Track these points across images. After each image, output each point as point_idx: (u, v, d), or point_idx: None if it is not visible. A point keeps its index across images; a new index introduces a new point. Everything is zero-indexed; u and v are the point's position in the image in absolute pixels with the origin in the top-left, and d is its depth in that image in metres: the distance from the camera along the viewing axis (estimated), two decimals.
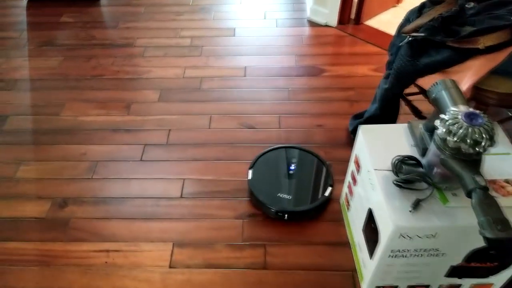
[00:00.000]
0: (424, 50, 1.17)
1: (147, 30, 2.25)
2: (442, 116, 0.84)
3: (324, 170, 1.42)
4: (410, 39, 1.21)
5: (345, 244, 1.24)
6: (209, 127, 1.66)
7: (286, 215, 1.31)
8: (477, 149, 0.79)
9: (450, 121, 0.83)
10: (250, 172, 1.41)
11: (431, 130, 1.01)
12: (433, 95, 0.93)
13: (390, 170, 0.98)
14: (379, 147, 1.04)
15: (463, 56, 1.10)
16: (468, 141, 0.79)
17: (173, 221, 1.32)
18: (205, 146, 1.57)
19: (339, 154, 1.53)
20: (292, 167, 1.44)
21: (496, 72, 1.08)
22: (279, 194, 1.34)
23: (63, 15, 2.38)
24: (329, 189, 1.36)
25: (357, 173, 1.14)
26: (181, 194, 1.40)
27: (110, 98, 1.79)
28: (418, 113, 1.45)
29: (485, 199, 0.76)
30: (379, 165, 0.99)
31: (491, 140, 0.79)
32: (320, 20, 2.29)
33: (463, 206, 0.89)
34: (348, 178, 1.24)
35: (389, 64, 1.44)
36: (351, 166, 1.20)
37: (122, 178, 1.45)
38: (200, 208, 1.36)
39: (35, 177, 1.47)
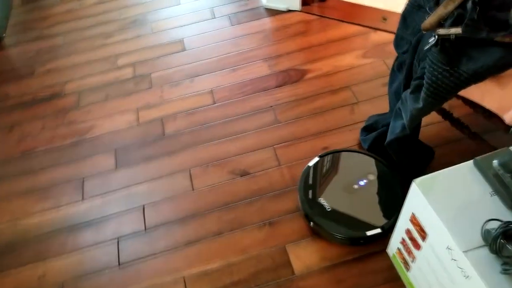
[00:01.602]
0: (463, 52, 0.91)
1: (73, 68, 1.83)
2: None
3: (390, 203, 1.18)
4: (437, 38, 0.94)
5: None
6: (193, 189, 1.34)
7: (312, 223, 1.18)
8: None
9: None
10: (315, 159, 1.28)
11: None
12: None
13: (482, 246, 0.74)
14: (452, 209, 0.79)
15: None
16: None
17: None
18: (196, 219, 1.27)
19: None
20: (363, 182, 1.22)
21: None
22: (320, 199, 1.19)
23: None
24: (377, 231, 1.13)
25: (422, 240, 0.89)
26: None
27: (53, 181, 1.41)
28: (464, 128, 1.19)
29: None
30: (466, 241, 0.74)
31: None
32: (280, 5, 1.97)
33: None
34: (401, 233, 1.00)
35: (401, 66, 1.17)
36: (405, 223, 0.95)
37: None
38: None
39: None
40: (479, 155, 1.31)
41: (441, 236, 0.79)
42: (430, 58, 0.95)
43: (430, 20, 0.98)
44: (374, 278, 1.11)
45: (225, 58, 1.78)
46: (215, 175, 1.37)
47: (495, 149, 1.14)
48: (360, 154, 1.30)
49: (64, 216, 1.31)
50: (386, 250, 1.15)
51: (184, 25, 1.97)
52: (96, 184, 1.38)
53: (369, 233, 1.13)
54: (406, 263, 1.03)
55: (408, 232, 0.96)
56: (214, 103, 1.60)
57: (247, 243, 1.20)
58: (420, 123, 1.18)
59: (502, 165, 0.79)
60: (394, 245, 1.08)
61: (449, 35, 0.92)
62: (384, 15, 1.87)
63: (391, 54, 1.68)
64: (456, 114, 1.21)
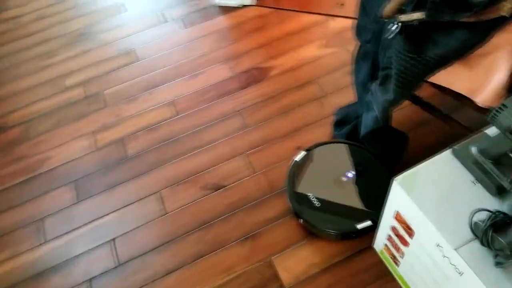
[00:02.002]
0: (429, 37, 0.89)
1: (17, 95, 1.71)
2: None
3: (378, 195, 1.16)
4: (400, 25, 0.91)
5: None
6: (165, 212, 1.28)
7: (301, 220, 1.16)
8: None
9: None
10: (302, 154, 1.25)
11: (496, 158, 0.76)
12: (507, 126, 0.66)
13: (472, 239, 0.72)
14: (436, 204, 0.77)
15: (485, 31, 0.84)
16: None
17: None
18: (173, 245, 1.20)
19: None
20: (351, 174, 1.20)
21: None
22: (310, 194, 1.16)
23: None
24: (367, 223, 1.11)
25: (409, 237, 0.87)
26: None
27: (9, 226, 1.30)
28: (434, 111, 1.18)
29: None
30: (456, 237, 0.73)
31: None
32: (232, 1, 1.91)
33: None
34: (387, 230, 0.98)
35: (365, 56, 1.15)
36: (390, 220, 0.93)
37: None
38: None
39: None
40: (451, 136, 1.32)
41: (429, 234, 0.78)
42: (396, 47, 0.93)
43: (390, 6, 0.96)
44: (365, 277, 1.10)
45: (182, 64, 1.71)
46: (187, 194, 1.31)
47: (467, 128, 1.15)
48: (347, 145, 1.28)
49: (26, 264, 1.21)
50: (373, 246, 1.13)
51: (134, 34, 1.88)
52: (57, 222, 1.29)
53: (359, 226, 1.11)
54: (395, 259, 1.02)
55: (394, 229, 0.94)
56: (177, 114, 1.54)
57: (231, 262, 1.15)
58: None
59: (481, 151, 0.78)
60: (380, 241, 1.06)
61: (412, 21, 0.89)
62: (340, 0, 1.85)
63: (352, 41, 1.65)
64: (424, 96, 1.20)
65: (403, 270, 1.00)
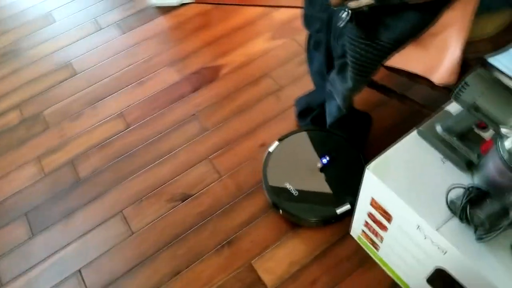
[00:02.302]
0: (380, 22, 0.90)
1: None
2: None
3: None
4: (350, 12, 0.92)
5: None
6: (132, 232, 1.21)
7: (281, 210, 1.16)
8: None
9: None
10: (275, 144, 1.25)
11: (461, 134, 0.79)
12: (471, 103, 0.68)
13: (451, 218, 0.75)
14: (411, 187, 0.79)
15: (434, 11, 0.87)
16: None
17: None
18: (145, 266, 1.15)
19: None
20: (325, 160, 1.20)
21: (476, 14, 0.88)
22: (287, 184, 1.16)
23: None
24: (347, 207, 1.12)
25: (388, 222, 0.89)
26: None
27: None
28: (390, 93, 1.21)
29: None
30: (435, 218, 0.75)
31: None
32: (171, 0, 1.84)
33: None
34: (364, 217, 0.99)
35: (317, 45, 1.15)
36: (366, 207, 0.95)
37: None
38: None
39: None
40: (410, 115, 1.37)
41: (408, 217, 0.79)
42: (348, 35, 0.93)
43: None
44: (347, 265, 1.11)
45: (126, 72, 1.63)
46: (153, 209, 1.25)
47: (424, 106, 1.19)
48: (318, 132, 1.28)
49: None
50: (350, 233, 1.15)
51: (68, 45, 1.75)
52: (13, 262, 1.18)
53: (339, 211, 1.13)
54: (374, 244, 1.04)
55: (370, 215, 0.95)
56: (128, 126, 1.46)
57: (210, 273, 1.12)
58: None
59: (446, 129, 0.80)
60: (357, 227, 1.08)
61: (362, 7, 0.90)
62: None
63: (300, 31, 1.67)
64: (377, 79, 1.22)
65: (383, 253, 1.02)
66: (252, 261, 1.14)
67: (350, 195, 1.13)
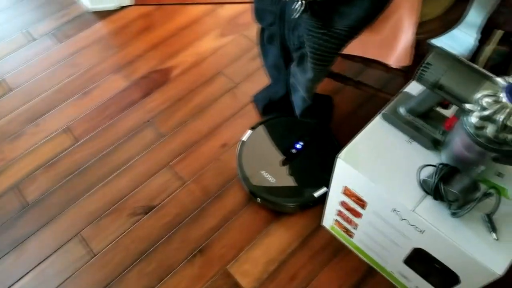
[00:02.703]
0: (334, 10, 0.90)
1: None
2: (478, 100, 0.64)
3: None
4: (304, 3, 0.91)
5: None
6: (93, 254, 1.13)
7: (259, 199, 1.16)
8: None
9: (492, 106, 0.62)
10: (248, 133, 1.24)
11: (424, 114, 0.81)
12: (434, 82, 0.69)
13: (425, 197, 0.76)
14: (383, 171, 0.79)
15: None
16: None
17: None
18: None
19: None
20: (299, 145, 1.21)
21: None
22: (263, 172, 1.16)
23: None
24: (323, 190, 1.13)
25: (362, 208, 0.89)
26: None
27: None
28: (346, 80, 1.22)
29: None
30: (410, 199, 0.75)
31: None
32: (108, 4, 1.75)
33: None
34: (336, 206, 0.99)
35: (271, 38, 1.14)
36: (338, 196, 0.94)
37: None
38: None
39: None
40: (366, 99, 1.39)
41: (383, 202, 0.80)
42: (304, 25, 0.93)
43: None
44: (323, 256, 1.11)
45: (68, 83, 1.52)
46: (114, 226, 1.18)
47: (379, 90, 1.22)
48: (291, 118, 1.27)
49: None
50: (322, 224, 1.15)
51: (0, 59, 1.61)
52: None
53: (316, 194, 1.13)
54: (348, 231, 1.04)
55: (343, 203, 0.95)
56: (76, 141, 1.36)
57: (184, 286, 1.07)
58: None
59: (409, 110, 0.82)
60: (329, 217, 1.08)
61: None
62: None
63: (247, 26, 1.65)
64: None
65: (358, 240, 1.03)
66: (227, 267, 1.10)
67: (326, 177, 1.14)
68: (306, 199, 1.14)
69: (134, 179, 1.27)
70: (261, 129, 1.26)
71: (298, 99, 1.11)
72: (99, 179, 1.28)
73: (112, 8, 1.75)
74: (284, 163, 1.19)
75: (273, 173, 1.17)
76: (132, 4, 1.77)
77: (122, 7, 1.76)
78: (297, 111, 1.16)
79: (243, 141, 1.23)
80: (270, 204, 1.16)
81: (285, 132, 1.26)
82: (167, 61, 1.56)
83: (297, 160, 1.19)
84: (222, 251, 1.13)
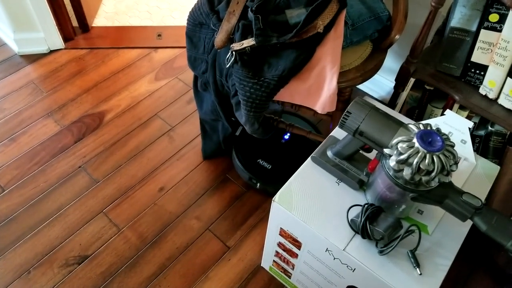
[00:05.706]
0: (263, 60, 0.91)
1: None
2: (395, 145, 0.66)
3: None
4: (234, 54, 0.91)
5: None
6: None
7: (258, 184, 1.23)
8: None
9: (406, 151, 0.65)
10: (240, 129, 1.28)
11: (349, 156, 0.83)
12: (355, 129, 0.72)
13: (353, 235, 0.76)
14: (315, 212, 0.79)
15: (309, 48, 0.91)
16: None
17: None
18: None
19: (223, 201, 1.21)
20: (287, 136, 1.30)
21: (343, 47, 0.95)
22: (259, 160, 1.25)
23: None
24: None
25: (298, 249, 0.88)
26: None
27: None
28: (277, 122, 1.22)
29: (493, 218, 0.66)
30: (341, 239, 0.75)
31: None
32: (37, 48, 1.63)
33: (440, 221, 0.79)
34: (274, 247, 0.97)
35: (206, 86, 1.12)
36: (275, 237, 0.92)
37: None
38: None
39: None
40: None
41: (317, 242, 0.79)
42: (236, 75, 0.92)
43: (220, 37, 0.95)
44: None
45: None
46: (45, 279, 1.05)
47: (309, 132, 1.24)
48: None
49: None
50: (261, 265, 1.12)
51: None
52: None
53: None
54: (286, 272, 1.02)
55: (280, 244, 0.94)
56: (3, 190, 1.22)
57: None
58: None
59: (336, 153, 0.83)
60: (268, 258, 1.05)
61: (244, 48, 0.90)
62: (157, 31, 1.79)
63: (182, 69, 1.63)
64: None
65: (296, 280, 1.01)
66: None
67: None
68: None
69: (66, 228, 1.16)
70: None
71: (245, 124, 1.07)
72: (29, 229, 1.14)
73: (42, 52, 1.64)
74: (277, 151, 1.27)
75: (268, 160, 1.25)
76: (63, 48, 1.67)
77: (52, 51, 1.65)
78: (250, 132, 1.11)
79: (236, 135, 1.29)
80: (269, 188, 1.23)
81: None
82: (100, 105, 1.48)
83: (287, 147, 1.28)
84: None
